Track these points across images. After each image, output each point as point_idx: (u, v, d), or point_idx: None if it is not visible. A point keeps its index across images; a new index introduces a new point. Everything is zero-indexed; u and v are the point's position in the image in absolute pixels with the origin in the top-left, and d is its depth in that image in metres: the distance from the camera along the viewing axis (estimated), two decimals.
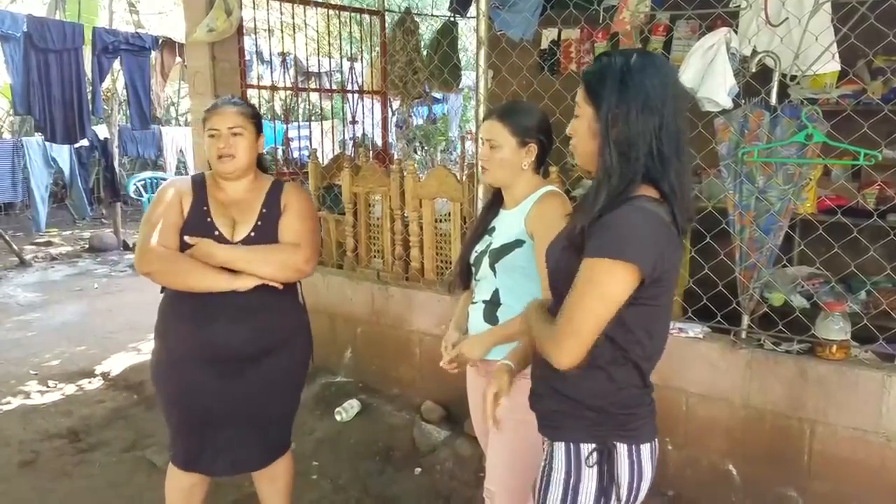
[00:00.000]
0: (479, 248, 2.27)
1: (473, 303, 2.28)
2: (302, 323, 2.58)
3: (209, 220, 2.38)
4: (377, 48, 6.38)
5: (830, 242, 2.80)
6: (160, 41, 8.70)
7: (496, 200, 2.31)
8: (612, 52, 1.59)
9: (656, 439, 1.68)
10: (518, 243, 2.14)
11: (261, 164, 2.56)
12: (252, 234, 2.39)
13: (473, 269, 2.30)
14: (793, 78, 2.89)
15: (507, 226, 2.20)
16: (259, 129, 2.47)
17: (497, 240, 2.20)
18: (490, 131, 2.18)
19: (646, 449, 1.64)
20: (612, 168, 1.50)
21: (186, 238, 2.33)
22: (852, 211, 3.68)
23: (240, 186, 2.45)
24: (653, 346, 1.61)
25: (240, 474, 2.70)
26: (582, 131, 1.60)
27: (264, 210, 2.43)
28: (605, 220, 1.47)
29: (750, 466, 2.91)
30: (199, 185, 2.45)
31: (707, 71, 2.80)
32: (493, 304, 2.20)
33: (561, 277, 1.62)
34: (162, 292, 2.48)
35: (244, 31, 5.02)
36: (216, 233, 2.37)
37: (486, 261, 2.21)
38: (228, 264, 2.33)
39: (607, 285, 1.45)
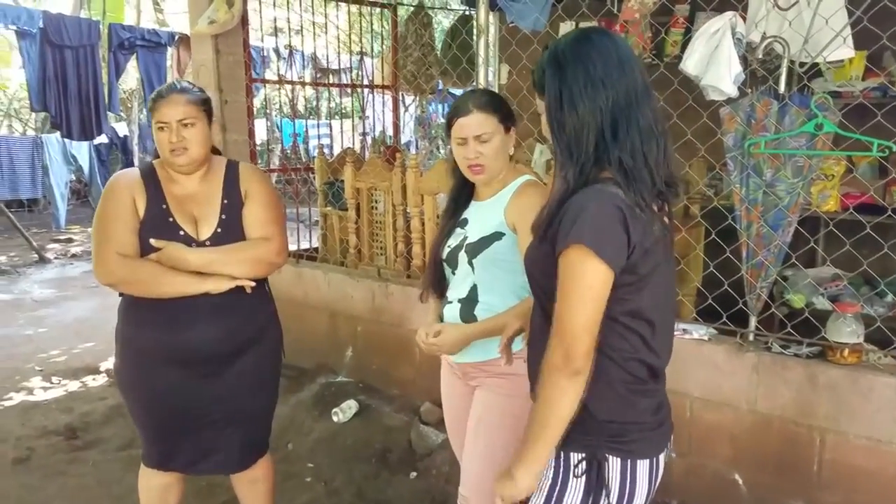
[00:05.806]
0: (451, 242, 2.15)
1: (449, 302, 2.15)
2: (271, 313, 2.48)
3: (171, 219, 2.23)
4: (389, 42, 6.29)
5: (855, 242, 2.64)
6: (176, 37, 8.68)
7: (462, 191, 2.19)
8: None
9: (660, 456, 1.56)
10: (497, 236, 2.03)
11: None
12: (219, 229, 2.26)
13: (446, 265, 2.18)
14: (801, 65, 2.72)
15: (484, 217, 2.08)
16: (210, 116, 2.32)
17: (473, 233, 2.08)
18: (481, 125, 2.02)
19: (643, 465, 1.52)
20: (560, 155, 1.47)
21: (153, 242, 2.18)
22: (877, 209, 3.48)
23: (195, 177, 2.31)
24: (644, 347, 1.49)
25: (219, 473, 2.61)
26: (543, 123, 1.54)
27: (226, 201, 2.30)
28: (564, 208, 1.41)
29: (756, 475, 2.77)
30: (151, 178, 2.28)
31: (712, 57, 2.65)
32: (470, 302, 2.08)
33: (535, 271, 1.55)
34: (121, 295, 2.35)
35: (248, 23, 4.95)
36: (181, 233, 2.23)
37: (462, 256, 2.09)
38: (202, 268, 2.20)
39: (580, 275, 1.37)
